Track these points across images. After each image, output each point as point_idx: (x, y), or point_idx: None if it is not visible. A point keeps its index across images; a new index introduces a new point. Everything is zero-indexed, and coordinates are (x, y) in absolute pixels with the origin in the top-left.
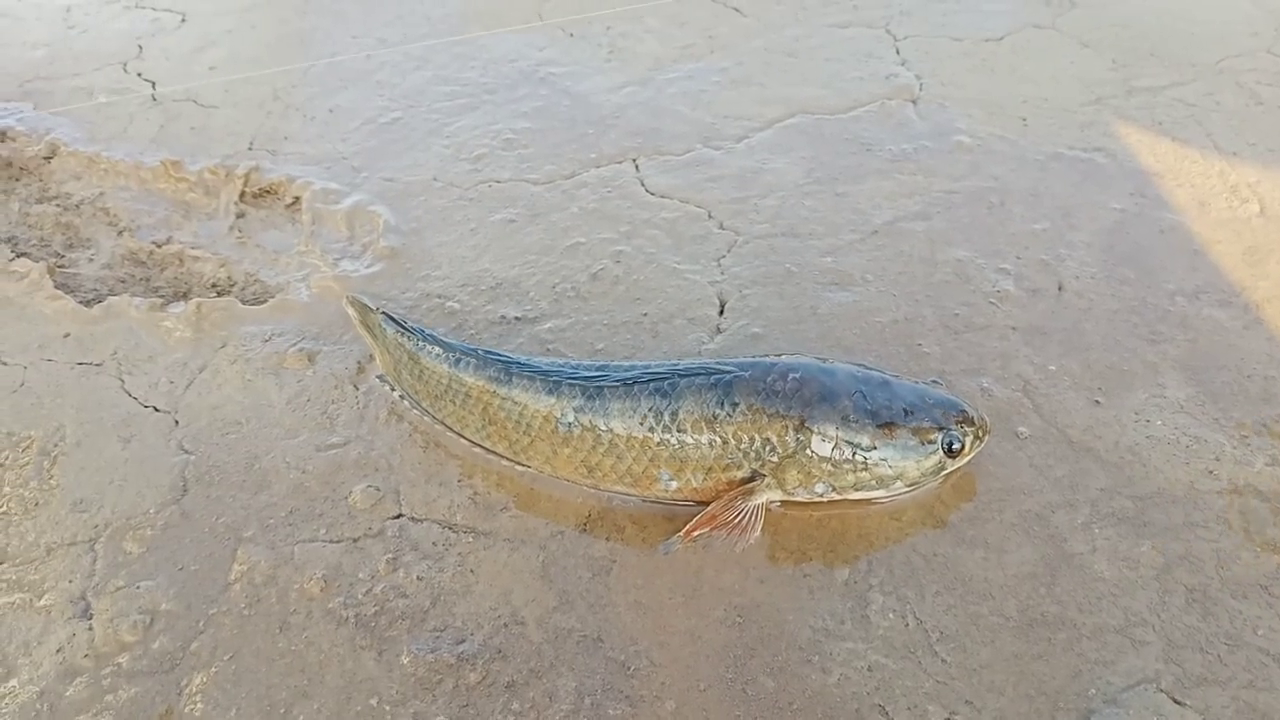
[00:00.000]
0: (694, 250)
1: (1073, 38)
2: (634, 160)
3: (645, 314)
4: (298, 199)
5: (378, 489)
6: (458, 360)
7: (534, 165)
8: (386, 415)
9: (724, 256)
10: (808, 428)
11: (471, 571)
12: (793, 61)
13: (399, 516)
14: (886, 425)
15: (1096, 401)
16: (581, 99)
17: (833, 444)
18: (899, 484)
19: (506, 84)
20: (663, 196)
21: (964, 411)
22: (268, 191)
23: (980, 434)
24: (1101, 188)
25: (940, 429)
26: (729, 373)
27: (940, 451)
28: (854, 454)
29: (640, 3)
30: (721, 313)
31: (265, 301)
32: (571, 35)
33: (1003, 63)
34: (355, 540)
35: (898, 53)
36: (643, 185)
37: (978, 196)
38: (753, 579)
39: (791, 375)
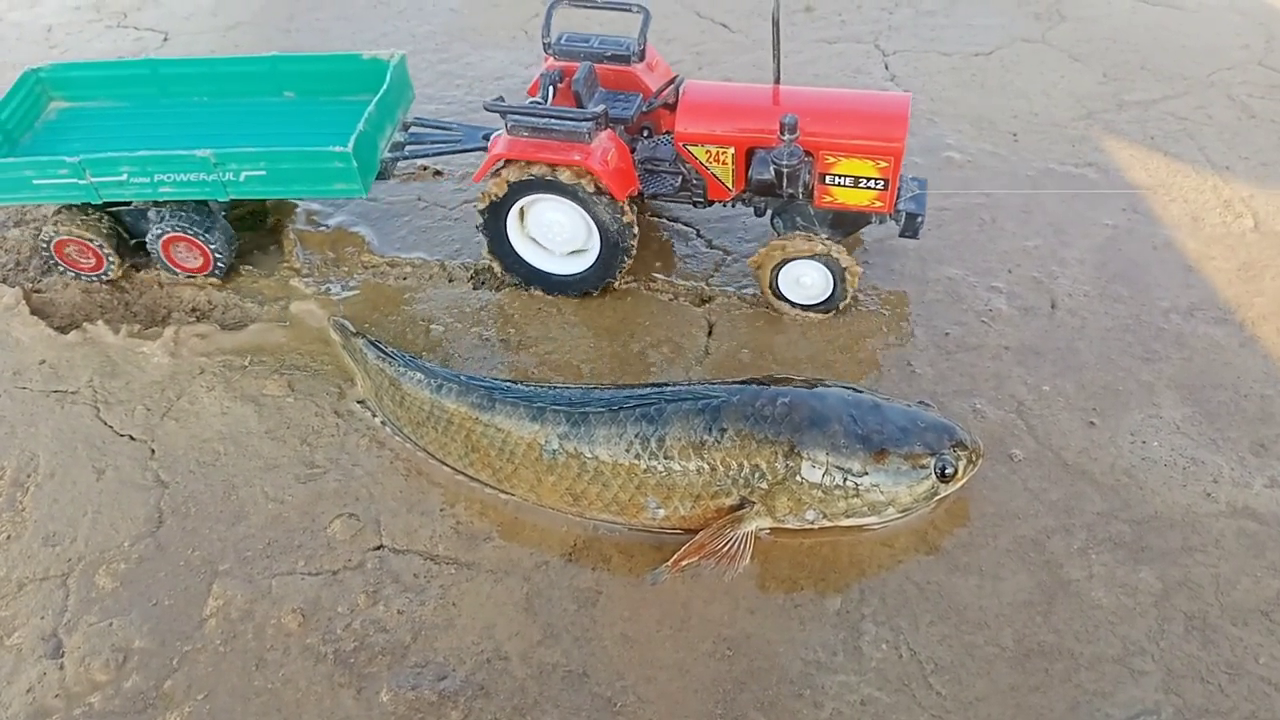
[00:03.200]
0: (682, 269)
1: (1063, 51)
2: None
3: (633, 334)
4: (280, 220)
5: (358, 519)
6: (439, 386)
7: None
8: (368, 442)
9: (712, 276)
10: (798, 453)
11: (454, 604)
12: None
13: (379, 548)
14: (878, 451)
15: (1091, 423)
16: None
17: (823, 470)
18: (891, 510)
19: None
20: (652, 215)
21: (957, 435)
22: (251, 213)
23: (974, 458)
24: (1093, 204)
25: (933, 454)
26: (717, 397)
27: (933, 476)
28: (845, 480)
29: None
30: (710, 334)
31: (246, 326)
32: None
33: (992, 77)
34: (334, 573)
35: (887, 68)
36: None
37: (968, 213)
38: (742, 610)
39: (780, 400)
